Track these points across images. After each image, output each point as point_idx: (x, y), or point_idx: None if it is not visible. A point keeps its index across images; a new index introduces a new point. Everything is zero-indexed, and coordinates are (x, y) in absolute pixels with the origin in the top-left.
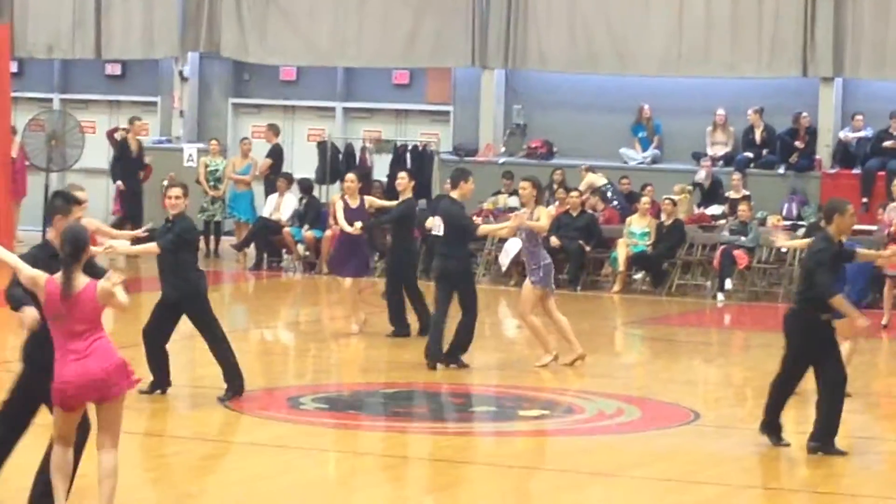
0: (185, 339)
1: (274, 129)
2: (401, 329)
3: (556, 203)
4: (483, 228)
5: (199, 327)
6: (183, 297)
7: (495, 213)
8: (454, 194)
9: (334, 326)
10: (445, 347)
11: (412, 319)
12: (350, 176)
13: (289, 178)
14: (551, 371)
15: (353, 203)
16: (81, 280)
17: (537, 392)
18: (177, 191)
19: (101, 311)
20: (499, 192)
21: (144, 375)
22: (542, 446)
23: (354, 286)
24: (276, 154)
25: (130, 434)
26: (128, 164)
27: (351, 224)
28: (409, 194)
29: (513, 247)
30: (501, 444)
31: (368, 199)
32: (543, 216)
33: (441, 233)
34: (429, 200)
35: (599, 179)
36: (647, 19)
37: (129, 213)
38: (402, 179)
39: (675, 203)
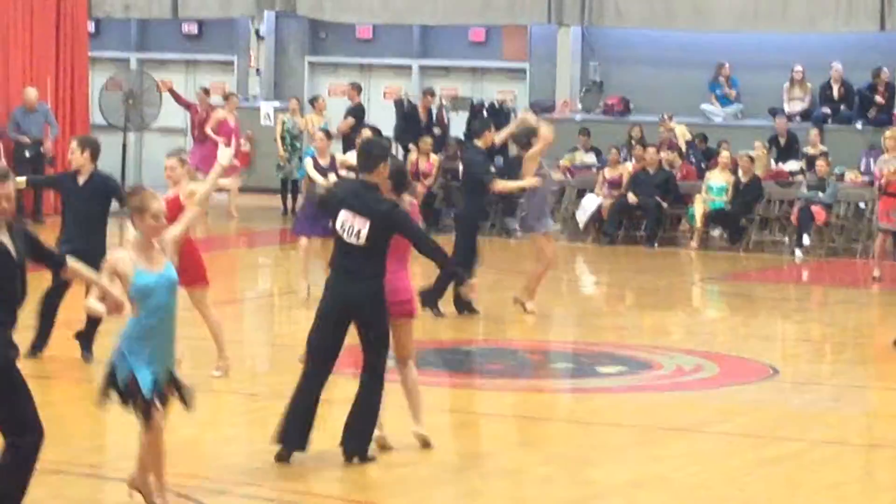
0: (262, 297)
1: (356, 88)
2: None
3: (633, 161)
4: (499, 184)
5: None
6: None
7: (572, 169)
8: (478, 143)
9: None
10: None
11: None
12: (319, 135)
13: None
14: (629, 328)
15: (323, 162)
16: None
17: (615, 349)
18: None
19: None
20: (575, 149)
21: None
22: (621, 402)
23: (322, 246)
24: (357, 113)
25: (211, 392)
26: (416, 129)
27: None
28: None
29: (590, 203)
30: (580, 401)
31: (339, 158)
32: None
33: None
34: (505, 158)
35: (687, 133)
36: None
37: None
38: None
39: (752, 159)
